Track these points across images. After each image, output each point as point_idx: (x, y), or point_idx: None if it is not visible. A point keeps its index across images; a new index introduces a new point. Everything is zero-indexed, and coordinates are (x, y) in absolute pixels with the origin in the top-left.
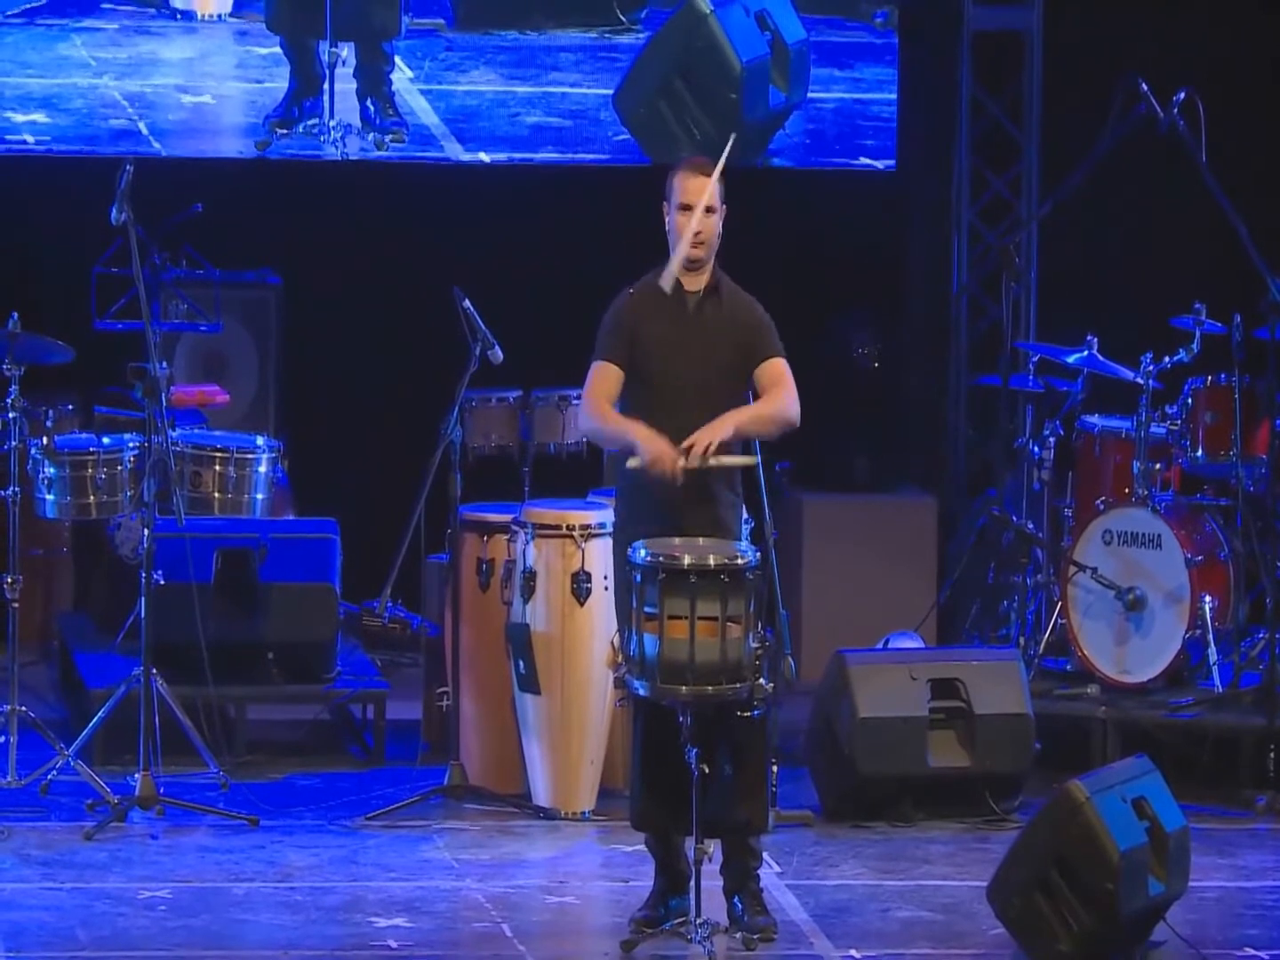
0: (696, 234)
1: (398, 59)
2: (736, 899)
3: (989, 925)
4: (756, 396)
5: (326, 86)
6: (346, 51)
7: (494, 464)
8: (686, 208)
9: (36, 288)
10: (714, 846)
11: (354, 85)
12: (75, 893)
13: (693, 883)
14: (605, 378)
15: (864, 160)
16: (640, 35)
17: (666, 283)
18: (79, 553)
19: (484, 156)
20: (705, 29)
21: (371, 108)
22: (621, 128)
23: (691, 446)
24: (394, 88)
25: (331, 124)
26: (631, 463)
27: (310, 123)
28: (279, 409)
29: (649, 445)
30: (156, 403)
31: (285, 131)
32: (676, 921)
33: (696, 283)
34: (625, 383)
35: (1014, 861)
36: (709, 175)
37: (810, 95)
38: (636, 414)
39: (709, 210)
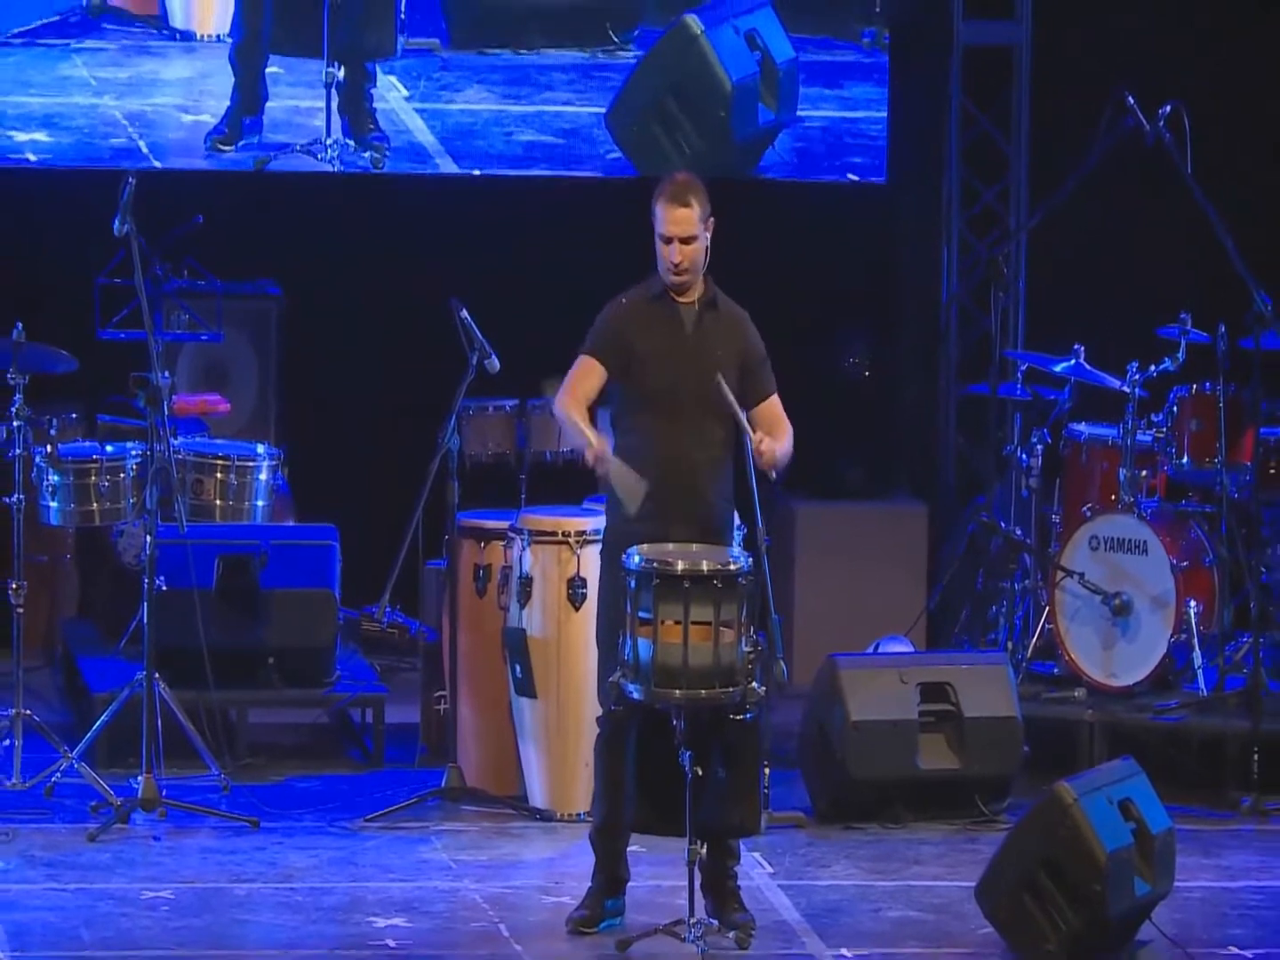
0: (676, 264)
1: (394, 78)
2: (713, 896)
3: (978, 925)
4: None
5: (323, 105)
6: (343, 72)
7: (491, 471)
8: (666, 240)
9: (40, 298)
10: (704, 847)
11: (335, 101)
12: (79, 893)
13: (687, 884)
14: (586, 373)
15: (851, 178)
16: (632, 55)
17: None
18: (83, 559)
19: (478, 174)
20: (696, 49)
21: (352, 122)
22: (614, 145)
23: (764, 446)
24: (389, 106)
25: (328, 142)
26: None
27: (253, 139)
28: (279, 418)
29: (592, 448)
30: (159, 412)
31: (227, 148)
32: (614, 922)
33: (690, 296)
34: (622, 393)
35: (1002, 862)
36: (688, 206)
37: (799, 114)
38: (634, 424)
39: (688, 240)
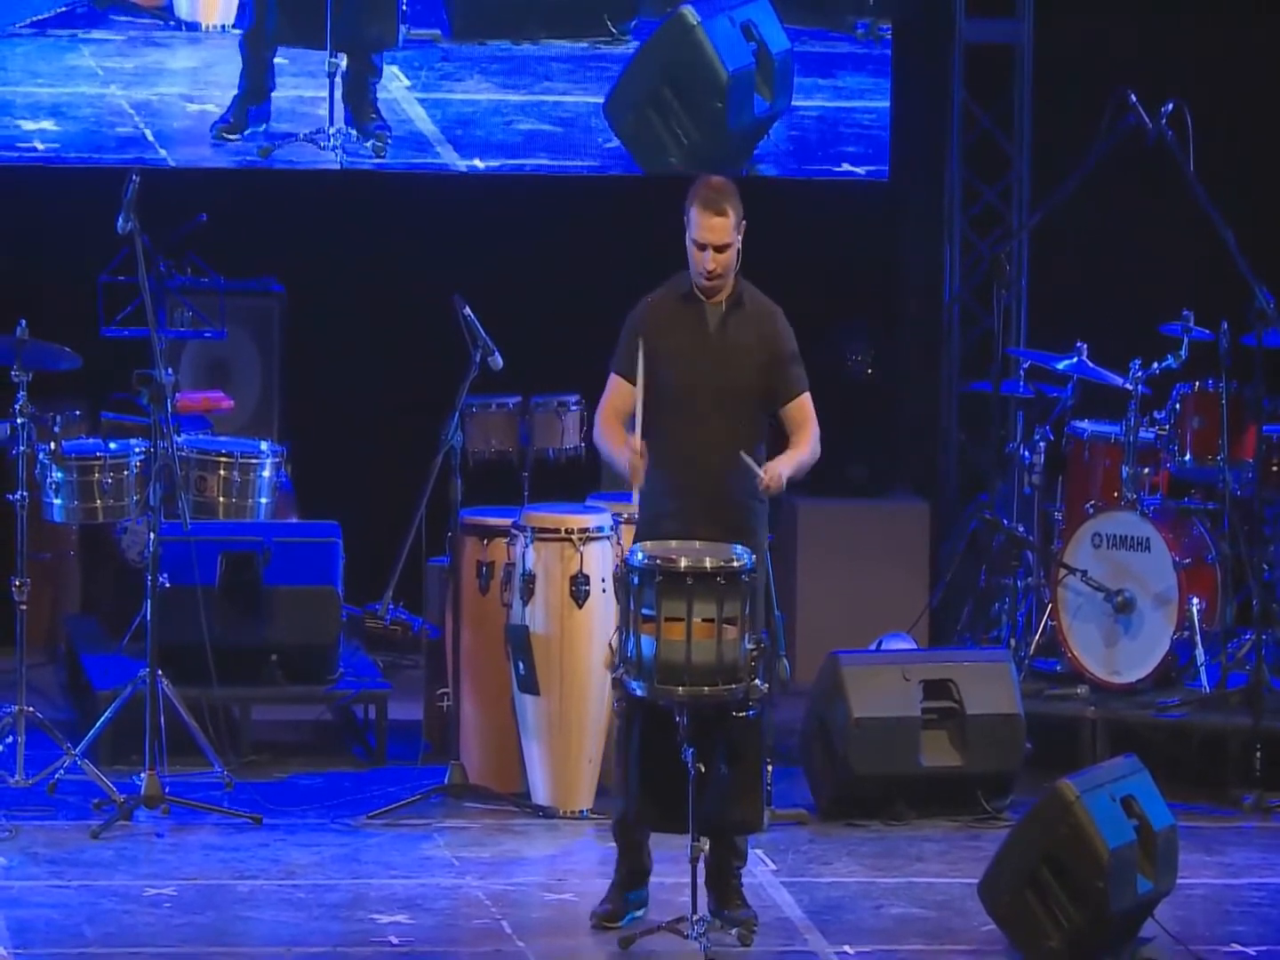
0: (710, 270)
1: (396, 68)
2: (716, 893)
3: (981, 922)
4: (780, 425)
5: (327, 95)
6: (345, 61)
7: (494, 469)
8: (700, 246)
9: (44, 296)
10: (707, 844)
11: (339, 91)
12: (82, 890)
13: (690, 880)
14: (616, 393)
15: (846, 166)
16: (630, 45)
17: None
18: (86, 556)
19: (479, 163)
20: (693, 39)
21: (354, 112)
22: (611, 135)
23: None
24: (390, 95)
25: (332, 131)
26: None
27: (259, 128)
28: (282, 415)
29: (628, 464)
30: (162, 409)
31: (233, 137)
32: (637, 915)
33: (718, 296)
34: (647, 395)
35: (1005, 859)
36: (724, 214)
37: (794, 103)
38: (658, 424)
39: (721, 248)
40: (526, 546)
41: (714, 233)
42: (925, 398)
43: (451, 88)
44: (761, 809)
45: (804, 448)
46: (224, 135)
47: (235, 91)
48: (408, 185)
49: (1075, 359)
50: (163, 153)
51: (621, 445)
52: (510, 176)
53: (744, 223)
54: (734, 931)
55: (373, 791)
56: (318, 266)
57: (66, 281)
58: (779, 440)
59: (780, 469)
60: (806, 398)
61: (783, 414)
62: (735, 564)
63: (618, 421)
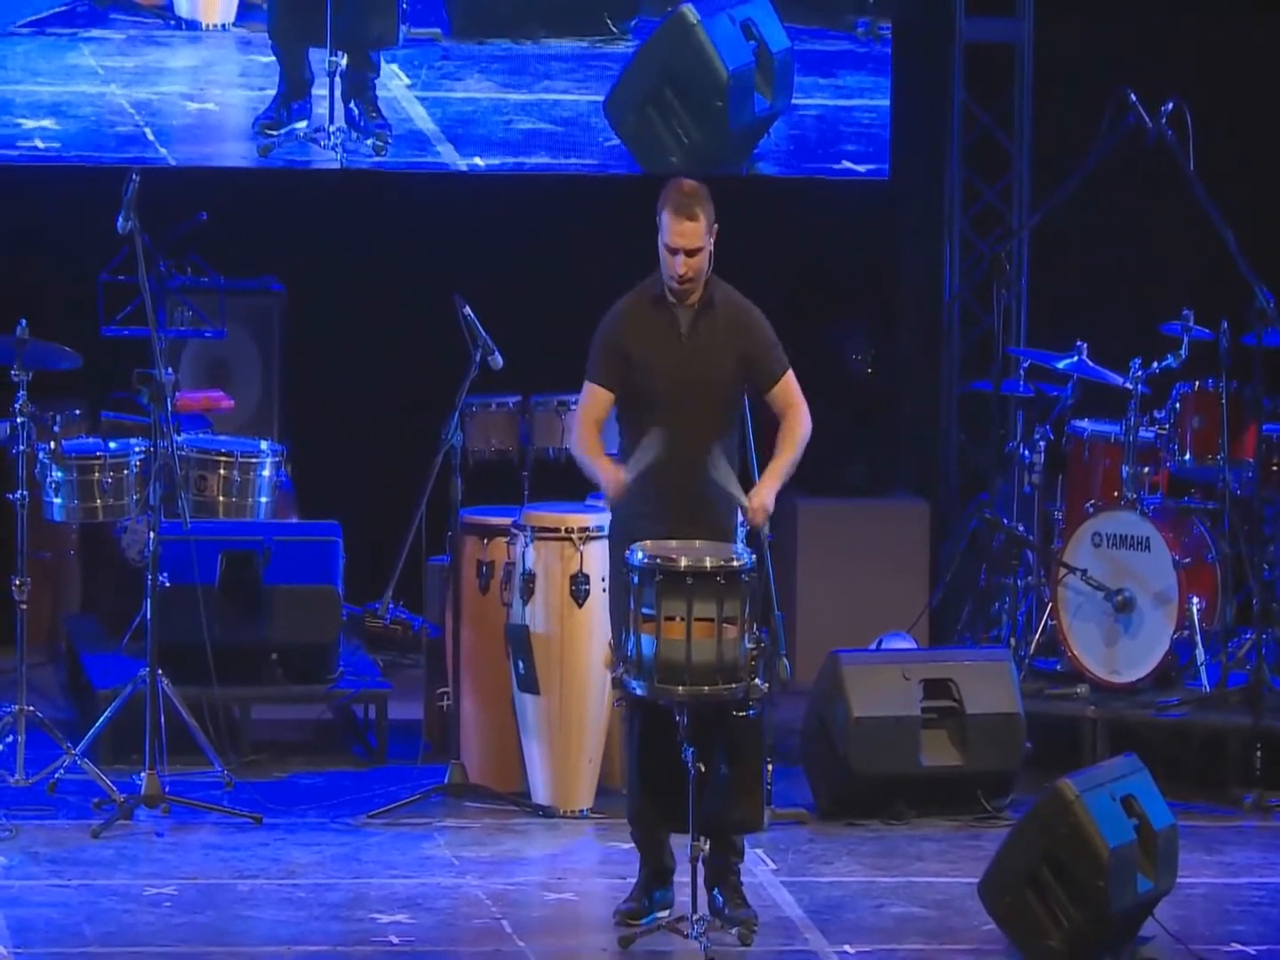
0: (681, 275)
1: (396, 67)
2: (717, 891)
3: (981, 921)
4: (769, 410)
5: (327, 93)
6: (345, 60)
7: (494, 468)
8: (672, 250)
9: (44, 295)
10: (708, 843)
11: (339, 89)
12: (82, 889)
13: (690, 880)
14: (593, 400)
15: (845, 164)
16: (630, 44)
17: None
18: (86, 555)
19: (479, 161)
20: (693, 38)
21: (355, 110)
22: (612, 134)
23: (758, 512)
24: (390, 94)
25: (332, 129)
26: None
27: (299, 125)
28: (282, 414)
29: (608, 486)
30: (162, 408)
31: (274, 133)
32: (660, 915)
33: (690, 299)
34: (624, 399)
35: (1005, 858)
36: (694, 219)
37: (794, 102)
38: (635, 427)
39: (693, 253)
40: (526, 546)
41: (685, 237)
42: (925, 397)
43: (451, 86)
44: (761, 808)
45: (791, 447)
46: (266, 131)
47: (276, 89)
48: (408, 184)
49: (1075, 358)
50: (163, 152)
51: (610, 472)
52: (510, 176)
53: (716, 226)
54: (734, 931)
55: (373, 791)
56: (318, 266)
57: (66, 281)
58: (770, 435)
59: (766, 496)
60: (789, 377)
61: (769, 399)
62: (735, 563)
63: (597, 433)
